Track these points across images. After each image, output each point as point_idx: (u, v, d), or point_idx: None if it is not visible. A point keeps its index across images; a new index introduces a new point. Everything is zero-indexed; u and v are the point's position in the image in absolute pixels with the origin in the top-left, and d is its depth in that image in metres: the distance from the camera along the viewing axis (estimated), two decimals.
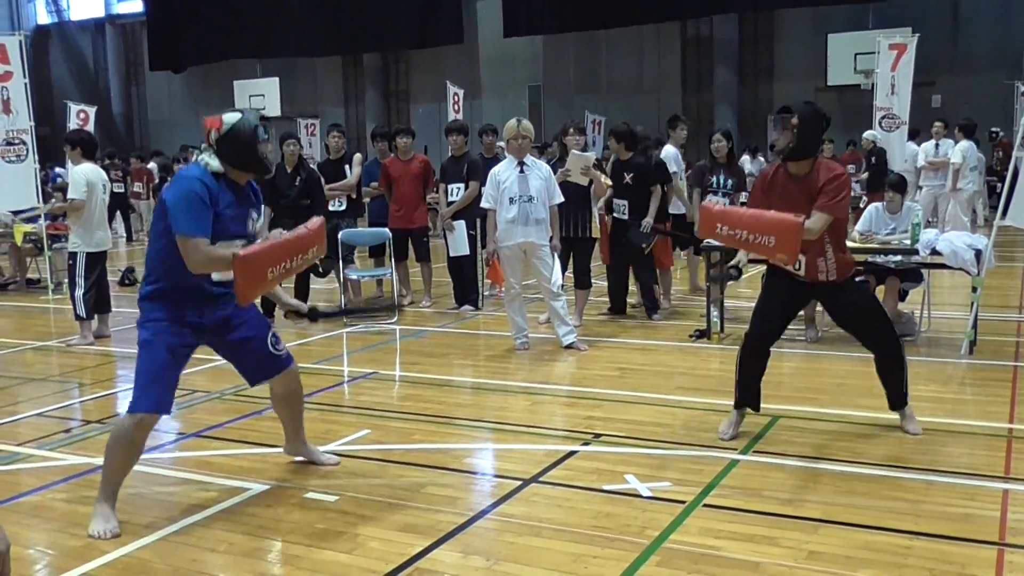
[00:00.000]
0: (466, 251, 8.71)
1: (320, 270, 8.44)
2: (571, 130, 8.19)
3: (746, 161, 18.91)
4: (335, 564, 3.37)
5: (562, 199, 7.09)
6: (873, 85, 13.17)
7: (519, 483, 4.19)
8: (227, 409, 5.59)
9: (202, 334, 3.88)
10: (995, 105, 17.96)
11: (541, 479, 4.22)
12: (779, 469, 4.29)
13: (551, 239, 6.95)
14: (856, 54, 19.47)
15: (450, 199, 8.82)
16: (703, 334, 7.29)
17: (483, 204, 7.12)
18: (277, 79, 24.99)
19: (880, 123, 12.57)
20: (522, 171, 6.86)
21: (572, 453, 4.59)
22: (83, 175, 7.64)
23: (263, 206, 4.10)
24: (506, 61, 24.56)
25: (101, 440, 5.03)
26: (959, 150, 12.37)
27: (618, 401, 5.61)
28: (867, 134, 12.79)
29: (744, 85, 22.77)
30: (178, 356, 3.80)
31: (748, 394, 4.73)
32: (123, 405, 5.89)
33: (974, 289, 6.49)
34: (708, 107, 22.70)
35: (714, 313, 7.36)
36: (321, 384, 6.11)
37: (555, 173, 7.96)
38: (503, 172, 6.92)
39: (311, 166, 9.28)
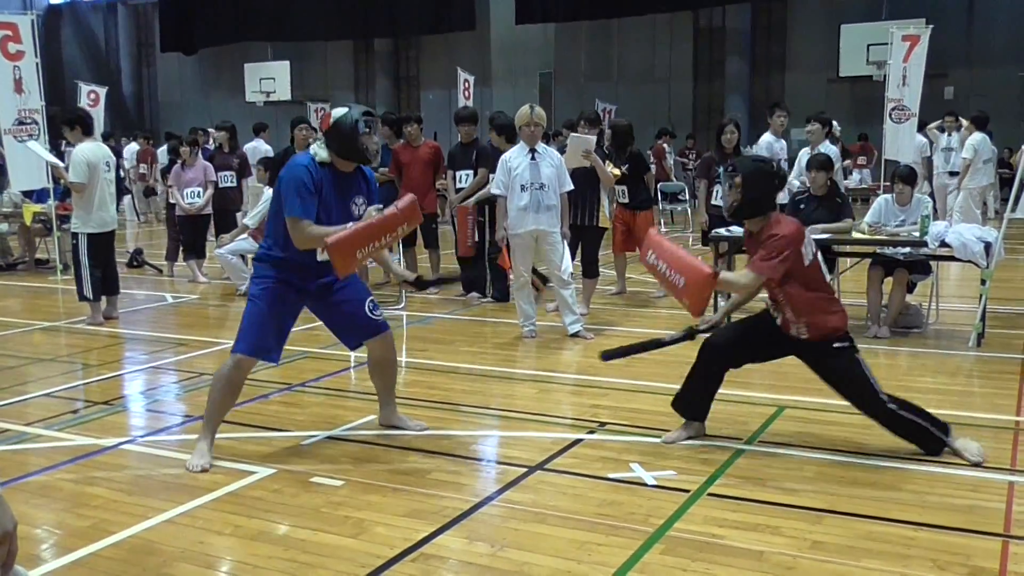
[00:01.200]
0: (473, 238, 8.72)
1: None
2: (582, 123, 8.15)
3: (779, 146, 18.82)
4: (340, 548, 3.39)
5: (571, 187, 7.08)
6: (885, 77, 13.08)
7: (524, 470, 4.20)
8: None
9: (306, 296, 4.34)
10: (1009, 98, 17.84)
11: (547, 466, 4.24)
12: (783, 459, 4.29)
13: (561, 227, 6.93)
14: (869, 45, 19.33)
15: (458, 186, 8.82)
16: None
17: (493, 191, 7.12)
18: (288, 63, 24.96)
19: (890, 115, 12.49)
20: (533, 158, 6.83)
21: (578, 441, 4.60)
22: (83, 156, 7.50)
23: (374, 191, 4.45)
24: (517, 48, 24.46)
25: (108, 421, 5.08)
26: (971, 144, 12.29)
27: (624, 390, 5.62)
28: None
29: (756, 75, 22.66)
30: (281, 311, 4.25)
31: (682, 401, 4.57)
32: (131, 387, 5.94)
33: (983, 282, 6.46)
34: (719, 97, 22.60)
35: (721, 303, 7.34)
36: (328, 369, 6.13)
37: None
38: (514, 159, 6.89)
39: None
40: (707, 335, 4.56)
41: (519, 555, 3.30)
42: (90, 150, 7.59)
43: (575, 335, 6.95)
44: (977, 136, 12.33)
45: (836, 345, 4.27)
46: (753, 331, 4.54)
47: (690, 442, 4.54)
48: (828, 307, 4.31)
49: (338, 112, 4.22)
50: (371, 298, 4.49)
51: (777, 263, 4.15)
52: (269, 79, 24.97)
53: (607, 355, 4.66)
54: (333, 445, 4.58)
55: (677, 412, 4.60)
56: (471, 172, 8.72)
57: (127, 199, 18.30)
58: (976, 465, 4.12)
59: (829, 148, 8.29)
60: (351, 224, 4.11)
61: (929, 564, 3.19)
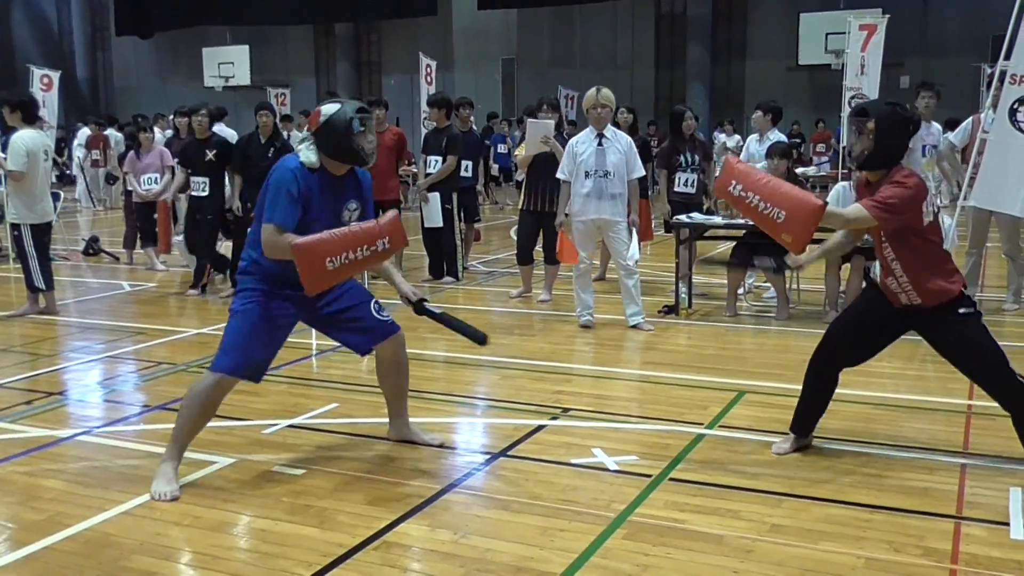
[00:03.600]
0: (440, 223, 8.69)
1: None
2: (544, 107, 8.13)
3: (722, 137, 19.00)
4: (302, 538, 3.37)
5: (643, 173, 6.91)
6: (843, 65, 13.22)
7: (487, 457, 4.21)
8: (193, 381, 5.53)
9: (301, 310, 3.93)
10: (964, 88, 18.11)
11: (509, 453, 4.24)
12: (744, 444, 4.34)
13: (629, 215, 6.75)
14: (827, 34, 19.56)
15: (427, 171, 8.78)
16: (671, 310, 7.34)
17: (558, 175, 6.90)
18: (247, 47, 24.67)
19: (850, 103, 12.63)
20: (600, 144, 6.62)
21: (541, 427, 4.61)
22: (23, 143, 7.18)
23: (366, 194, 4.08)
24: (480, 34, 24.39)
25: (63, 412, 5.00)
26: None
27: (587, 376, 5.64)
28: None
29: (716, 63, 22.81)
30: (271, 327, 3.84)
31: (797, 418, 4.22)
32: (87, 376, 5.84)
33: None
34: (680, 84, 22.73)
35: (682, 289, 7.41)
36: (289, 357, 6.07)
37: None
38: (581, 144, 6.67)
39: (285, 138, 9.16)
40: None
41: (482, 542, 3.31)
42: (30, 137, 7.28)
43: (635, 327, 6.76)
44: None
45: (961, 311, 3.89)
46: (864, 324, 4.11)
47: (652, 427, 4.57)
48: (945, 271, 3.92)
49: (329, 109, 3.80)
50: (374, 299, 4.11)
51: (895, 210, 3.73)
52: (228, 64, 24.67)
53: (705, 260, 4.17)
54: (295, 434, 4.55)
55: (796, 434, 4.24)
56: (441, 158, 8.69)
57: (80, 186, 17.97)
58: None
59: (778, 136, 8.35)
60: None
61: (885, 545, 3.24)
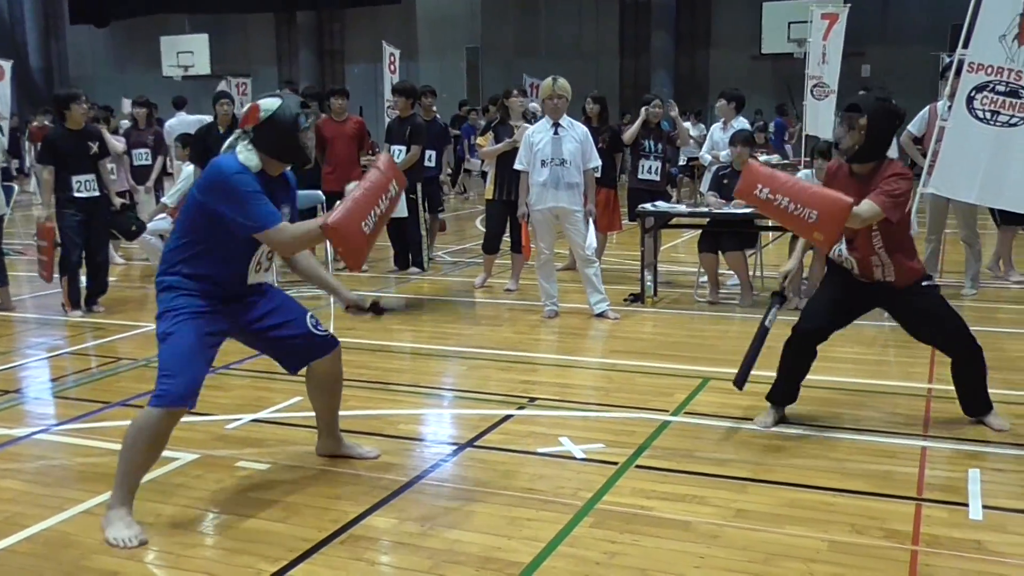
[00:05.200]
0: (404, 213, 8.64)
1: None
2: (515, 92, 8.12)
3: (688, 126, 19.04)
4: (268, 533, 3.34)
5: (599, 163, 6.93)
6: (806, 54, 13.34)
7: (455, 448, 4.19)
8: (155, 377, 5.45)
9: (232, 324, 3.60)
10: (923, 77, 18.34)
11: (476, 443, 4.24)
12: (709, 430, 4.37)
13: (586, 204, 6.77)
14: (790, 23, 19.71)
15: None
16: (637, 298, 7.36)
17: (516, 166, 6.91)
18: (207, 36, 24.33)
19: (812, 91, 12.76)
20: (556, 133, 6.65)
21: (507, 417, 4.60)
22: None
23: (294, 192, 3.78)
24: (444, 22, 24.28)
25: (20, 410, 4.91)
26: None
27: (553, 365, 5.65)
28: None
29: (681, 51, 22.90)
30: (206, 345, 3.47)
31: (778, 389, 4.42)
32: (45, 373, 5.73)
33: None
34: (645, 73, 22.80)
35: (648, 278, 7.44)
36: (252, 351, 6.01)
37: (496, 136, 7.92)
38: (537, 133, 6.71)
39: None
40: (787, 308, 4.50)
41: (449, 533, 3.30)
42: None
43: (600, 315, 6.77)
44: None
45: (924, 284, 4.25)
46: (839, 304, 4.36)
47: (618, 415, 4.59)
48: (913, 252, 4.32)
49: (270, 104, 3.47)
50: (310, 313, 3.80)
51: (900, 202, 4.02)
52: (187, 53, 24.32)
53: (739, 382, 4.38)
54: (259, 428, 4.51)
55: (773, 403, 4.44)
56: (404, 147, 8.64)
57: (34, 179, 17.63)
58: (999, 430, 4.26)
59: (742, 123, 8.41)
60: (338, 202, 3.53)
61: (848, 528, 3.28)
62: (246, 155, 3.42)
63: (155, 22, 25.35)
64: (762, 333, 4.38)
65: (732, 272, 7.55)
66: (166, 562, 3.15)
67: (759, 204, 4.02)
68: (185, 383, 3.34)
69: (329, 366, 3.85)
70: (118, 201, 7.63)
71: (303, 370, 3.85)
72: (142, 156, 10.18)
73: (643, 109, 8.30)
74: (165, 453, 4.05)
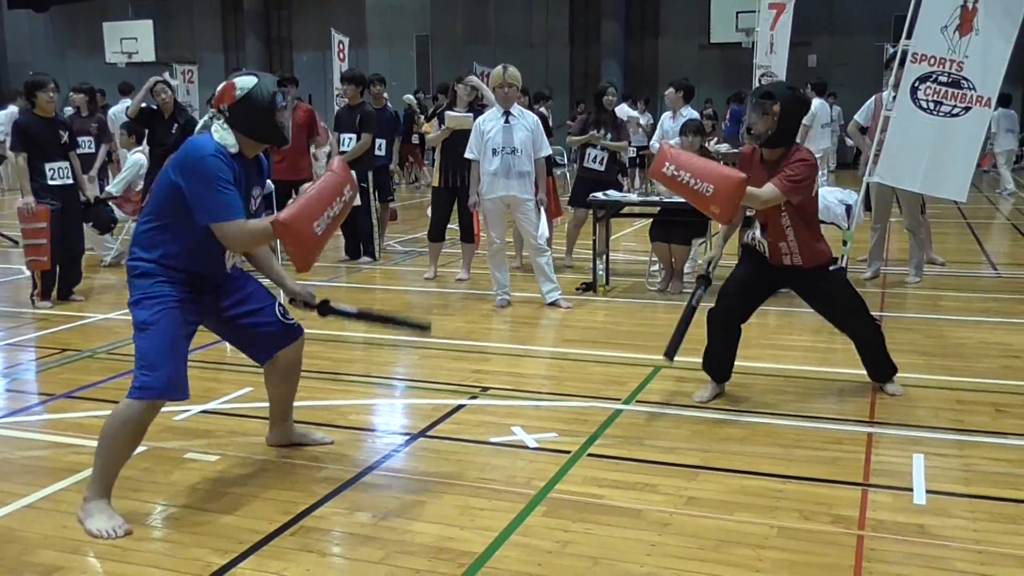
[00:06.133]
0: (356, 202, 8.57)
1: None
2: (465, 79, 8.08)
3: (635, 114, 19.14)
4: (217, 525, 3.29)
5: (550, 151, 6.94)
6: (754, 44, 13.48)
7: (407, 438, 4.18)
8: (101, 368, 5.37)
9: (204, 313, 3.54)
10: (868, 67, 18.67)
11: (428, 433, 4.22)
12: (660, 418, 4.41)
13: (537, 193, 6.76)
14: (738, 12, 19.90)
15: (342, 149, 8.64)
16: (589, 287, 7.40)
17: (466, 155, 6.87)
18: (151, 22, 23.85)
19: (760, 81, 12.88)
20: (507, 121, 6.63)
21: (460, 407, 4.60)
22: None
23: (265, 179, 3.73)
24: (393, 10, 24.08)
25: None
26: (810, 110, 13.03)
27: (506, 354, 5.65)
28: None
29: (630, 41, 22.99)
30: (184, 335, 3.42)
31: (708, 361, 4.65)
32: None
33: (844, 243, 6.77)
34: (595, 62, 22.85)
35: (600, 267, 7.48)
36: (201, 341, 5.88)
37: (440, 121, 7.89)
38: (487, 122, 6.68)
39: (189, 113, 8.88)
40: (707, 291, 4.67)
41: (401, 523, 3.29)
42: None
43: (553, 304, 6.78)
44: (816, 102, 12.97)
45: (832, 268, 4.55)
46: (750, 283, 4.61)
47: (571, 403, 4.60)
48: (820, 236, 4.57)
49: (246, 82, 3.39)
50: (278, 301, 3.75)
51: (802, 186, 4.27)
52: (131, 39, 23.81)
53: (670, 353, 4.52)
54: (207, 419, 4.44)
55: (708, 373, 4.66)
56: (355, 136, 8.55)
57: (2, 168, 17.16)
58: (893, 396, 4.62)
59: (691, 112, 8.47)
60: (289, 201, 3.48)
61: (796, 514, 3.33)
62: (222, 134, 3.35)
63: (97, 7, 24.78)
64: (689, 312, 4.60)
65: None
66: (113, 556, 3.09)
67: (666, 181, 4.29)
68: (167, 376, 3.29)
69: (292, 354, 3.82)
70: (90, 194, 7.48)
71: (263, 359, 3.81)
72: (85, 144, 9.93)
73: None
74: None
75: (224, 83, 3.47)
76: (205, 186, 3.25)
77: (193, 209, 3.28)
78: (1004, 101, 14.95)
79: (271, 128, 3.43)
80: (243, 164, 3.42)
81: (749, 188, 4.16)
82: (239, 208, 3.30)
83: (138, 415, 3.30)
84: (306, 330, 3.88)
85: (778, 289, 4.77)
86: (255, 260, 3.79)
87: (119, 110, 12.16)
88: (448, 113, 7.74)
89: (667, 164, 4.23)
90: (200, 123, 3.47)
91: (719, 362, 4.63)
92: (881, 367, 4.71)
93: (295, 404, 4.04)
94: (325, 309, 3.76)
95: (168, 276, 3.37)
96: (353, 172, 7.07)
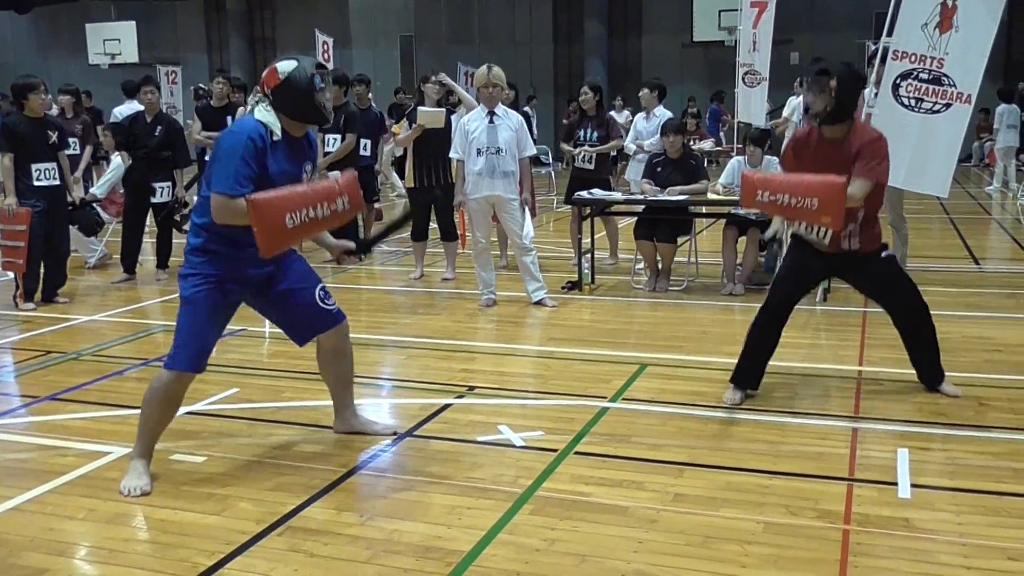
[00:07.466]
0: None
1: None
2: (432, 79, 8.06)
3: (615, 114, 19.17)
4: (204, 526, 3.28)
5: (534, 151, 6.93)
6: (736, 42, 13.53)
7: (393, 437, 4.17)
8: (86, 370, 5.34)
9: (246, 292, 3.73)
10: (850, 64, 18.74)
11: (415, 433, 4.22)
12: (646, 415, 4.42)
13: (522, 193, 6.75)
14: (720, 11, 19.97)
15: (327, 150, 8.62)
16: (575, 285, 7.41)
17: (451, 155, 6.87)
18: (134, 23, 23.66)
19: (743, 79, 12.93)
20: (492, 121, 6.62)
21: (447, 406, 4.60)
22: None
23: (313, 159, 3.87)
24: (377, 10, 24.02)
25: None
26: (793, 105, 13.34)
27: (492, 353, 5.65)
28: None
29: (614, 39, 23.01)
30: (222, 315, 3.68)
31: (742, 368, 4.53)
32: None
33: None
34: (579, 60, 22.85)
35: (585, 265, 7.49)
36: None
37: (409, 123, 7.87)
38: (472, 122, 6.67)
39: (172, 116, 8.84)
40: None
41: (388, 523, 3.29)
42: None
43: (538, 303, 6.79)
44: (795, 100, 13.24)
45: (885, 254, 4.52)
46: (803, 271, 4.55)
47: (557, 402, 4.61)
48: (877, 220, 4.49)
49: (287, 66, 3.56)
50: (321, 285, 3.88)
51: (885, 166, 4.20)
52: (114, 40, 23.63)
53: (367, 247, 4.32)
54: (194, 421, 4.42)
55: (736, 385, 4.54)
56: (339, 136, 8.53)
57: None
58: (955, 398, 4.51)
59: (665, 113, 8.48)
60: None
61: (782, 510, 3.35)
62: (264, 114, 3.54)
63: (79, 9, 24.58)
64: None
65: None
66: (99, 558, 3.08)
67: (764, 207, 4.30)
68: (196, 351, 3.59)
69: (335, 342, 3.96)
70: (77, 196, 7.43)
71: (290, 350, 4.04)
72: (71, 145, 9.86)
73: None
74: (97, 447, 4.03)
75: (268, 68, 3.64)
76: (222, 158, 3.46)
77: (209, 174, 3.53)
78: (1007, 96, 14.92)
79: (311, 108, 3.59)
80: (289, 142, 3.61)
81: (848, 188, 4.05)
82: (240, 187, 3.40)
83: (166, 384, 3.60)
84: None
85: (825, 278, 4.69)
86: None
87: (123, 110, 12.03)
88: (420, 109, 7.73)
89: (759, 192, 4.21)
90: (248, 107, 3.62)
91: (758, 369, 4.55)
92: (932, 366, 4.59)
93: (282, 405, 4.06)
94: (366, 247, 4.09)
95: (212, 255, 3.57)
96: (338, 173, 7.06)
